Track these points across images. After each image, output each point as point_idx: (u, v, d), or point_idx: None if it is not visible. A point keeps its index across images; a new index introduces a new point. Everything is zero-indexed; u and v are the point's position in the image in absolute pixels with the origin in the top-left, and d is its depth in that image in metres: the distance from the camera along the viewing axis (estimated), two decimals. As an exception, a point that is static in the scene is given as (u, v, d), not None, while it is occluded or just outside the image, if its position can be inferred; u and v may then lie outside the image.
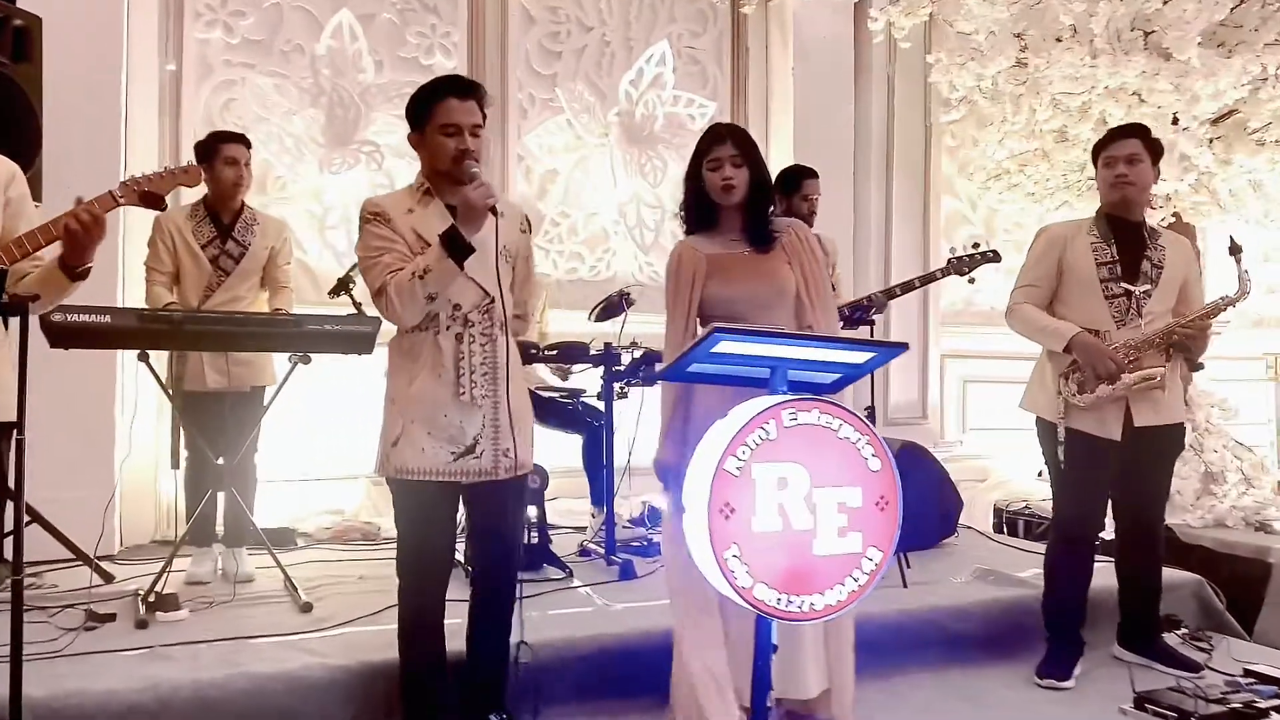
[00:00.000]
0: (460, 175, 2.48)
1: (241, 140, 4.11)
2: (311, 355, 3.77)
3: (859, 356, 2.47)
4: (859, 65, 6.51)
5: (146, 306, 3.96)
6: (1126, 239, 3.37)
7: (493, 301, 2.56)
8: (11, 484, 2.17)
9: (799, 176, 4.88)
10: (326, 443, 5.29)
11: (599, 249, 6.08)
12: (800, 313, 2.85)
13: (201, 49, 5.24)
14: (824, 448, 2.31)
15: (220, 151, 4.00)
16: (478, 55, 5.79)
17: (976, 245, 4.43)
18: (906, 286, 4.47)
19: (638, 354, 4.60)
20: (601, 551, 4.51)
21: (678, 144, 6.15)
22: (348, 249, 5.47)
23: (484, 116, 2.56)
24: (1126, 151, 3.38)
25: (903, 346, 2.44)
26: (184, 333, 3.52)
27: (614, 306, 4.54)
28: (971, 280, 4.45)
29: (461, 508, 2.70)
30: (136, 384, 4.94)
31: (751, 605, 2.21)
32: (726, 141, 2.76)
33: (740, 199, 2.76)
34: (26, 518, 2.35)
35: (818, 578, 2.29)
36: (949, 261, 4.45)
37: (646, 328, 4.87)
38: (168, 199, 2.57)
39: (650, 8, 6.24)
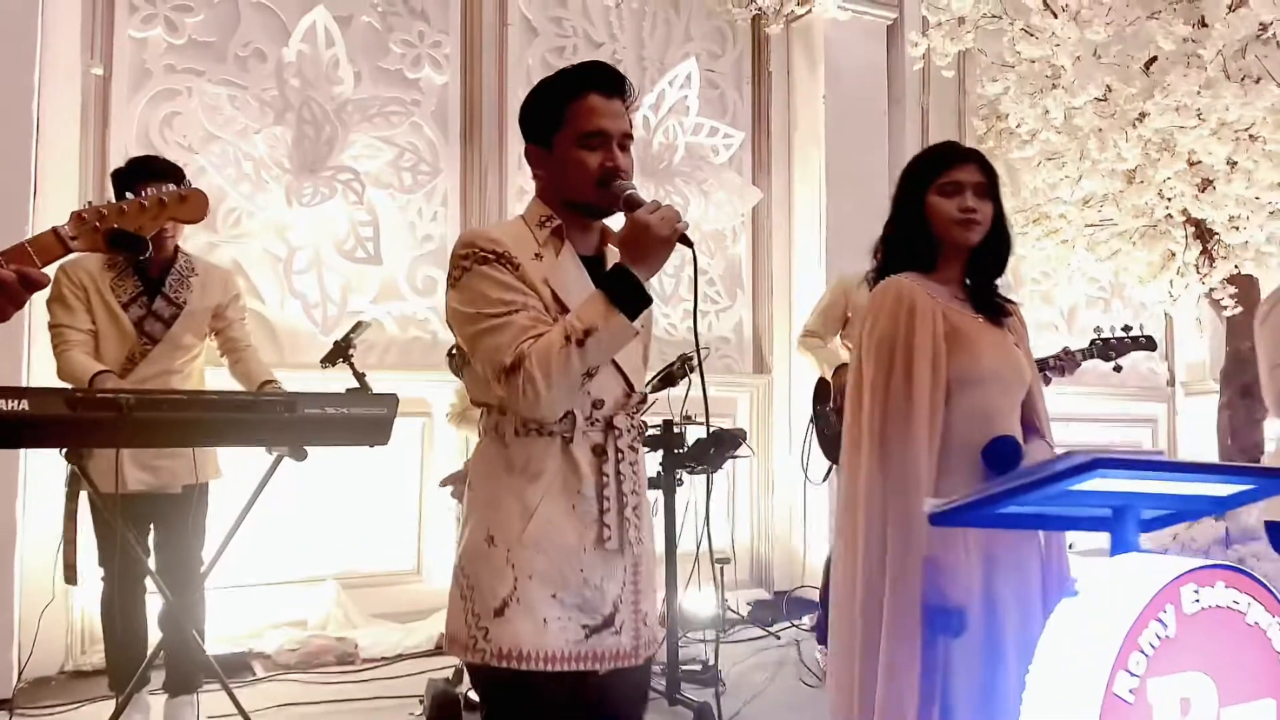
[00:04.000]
0: (607, 200, 1.66)
1: (169, 174, 2.94)
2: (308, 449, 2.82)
3: (1225, 489, 1.66)
4: (891, 95, 5.83)
5: (68, 384, 2.92)
6: None
7: (643, 401, 1.76)
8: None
9: None
10: (281, 537, 4.23)
11: (610, 299, 5.19)
12: (1028, 408, 2.09)
13: (137, 50, 4.23)
14: (1231, 641, 1.49)
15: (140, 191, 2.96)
16: (473, 69, 4.90)
17: (1128, 329, 3.66)
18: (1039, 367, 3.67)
19: (702, 433, 3.75)
20: (656, 685, 3.59)
21: (699, 179, 5.34)
22: (320, 299, 4.46)
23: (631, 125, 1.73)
24: None
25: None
26: (134, 423, 2.50)
27: (673, 376, 3.66)
28: (1118, 368, 3.65)
29: None
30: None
31: None
32: (971, 164, 2.02)
33: (978, 241, 2.02)
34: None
35: None
36: (1093, 344, 3.65)
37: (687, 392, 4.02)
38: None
39: (665, 23, 5.44)
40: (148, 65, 4.23)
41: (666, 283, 5.30)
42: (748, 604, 5.05)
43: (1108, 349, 3.42)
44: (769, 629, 4.66)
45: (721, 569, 4.72)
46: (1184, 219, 5.38)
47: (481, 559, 1.63)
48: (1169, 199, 5.20)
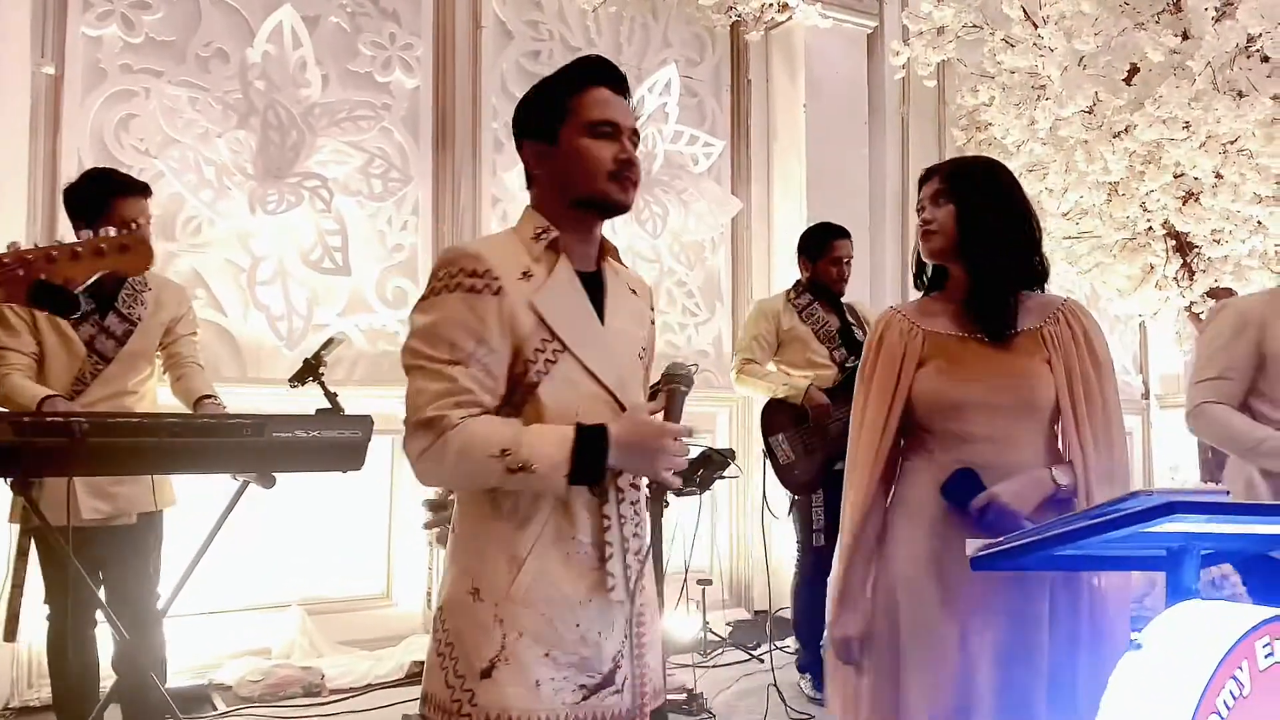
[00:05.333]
0: (618, 196, 1.55)
1: (143, 192, 2.90)
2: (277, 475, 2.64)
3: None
4: (871, 105, 5.74)
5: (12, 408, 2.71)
6: None
7: None
8: None
9: (826, 235, 4.05)
10: (242, 562, 4.01)
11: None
12: (1060, 433, 1.94)
13: (91, 49, 4.00)
14: (1303, 698, 1.37)
15: (116, 210, 2.78)
16: (445, 73, 4.72)
17: None
18: None
19: (693, 453, 3.61)
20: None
21: (678, 188, 5.21)
22: (285, 312, 4.26)
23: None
24: None
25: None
26: (89, 450, 2.31)
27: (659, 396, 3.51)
28: None
29: None
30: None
31: None
32: (933, 178, 1.96)
33: (942, 246, 1.91)
34: None
35: None
36: None
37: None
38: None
39: (643, 28, 5.32)
40: (102, 65, 4.01)
41: (645, 295, 5.16)
42: (728, 624, 4.91)
43: None
44: (752, 652, 4.52)
45: (704, 590, 4.60)
46: (1165, 232, 5.35)
47: (465, 614, 1.48)
48: (1151, 212, 5.17)
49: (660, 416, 1.46)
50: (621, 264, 1.68)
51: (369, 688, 3.97)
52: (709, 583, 4.60)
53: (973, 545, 1.49)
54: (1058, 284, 6.38)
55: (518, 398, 1.48)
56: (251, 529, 3.94)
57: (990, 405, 1.85)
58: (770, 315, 4.04)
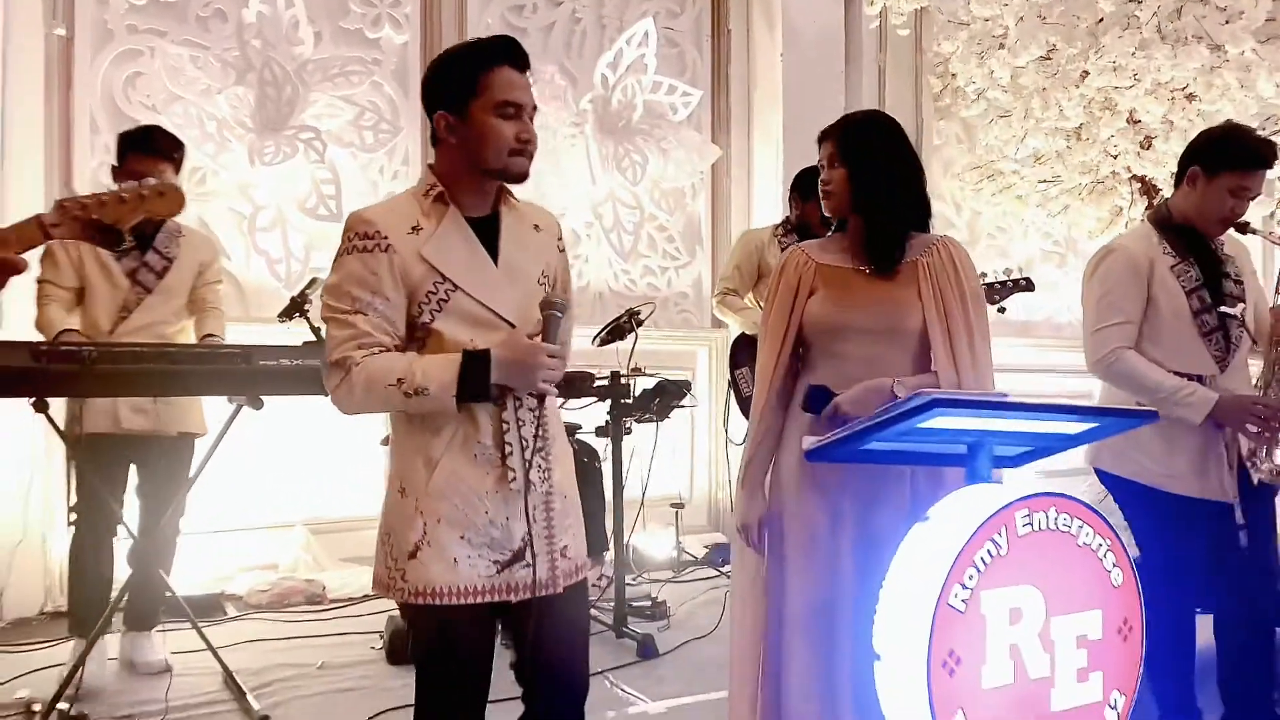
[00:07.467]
0: (516, 170, 1.78)
1: (165, 158, 3.21)
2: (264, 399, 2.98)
3: (1074, 427, 1.84)
4: (849, 54, 5.93)
5: (41, 336, 3.08)
6: (1202, 255, 2.68)
7: None
8: None
9: (816, 178, 4.24)
10: (252, 486, 4.42)
11: (570, 254, 5.31)
12: (927, 355, 2.20)
13: (99, 11, 4.30)
14: (1061, 560, 1.70)
15: (129, 167, 3.14)
16: (432, 29, 4.98)
17: (1009, 272, 3.88)
18: None
19: (649, 384, 3.94)
20: (604, 619, 3.81)
21: (658, 136, 5.46)
22: (284, 256, 4.60)
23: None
24: (1260, 183, 2.74)
25: (1149, 415, 1.83)
26: (96, 374, 2.67)
27: (621, 330, 3.83)
28: (1002, 310, 3.87)
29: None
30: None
31: (982, 792, 1.57)
32: (828, 140, 2.20)
33: (839, 207, 2.18)
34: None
35: (1055, 741, 1.67)
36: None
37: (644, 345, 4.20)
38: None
39: (624, -19, 5.53)
40: (110, 26, 4.31)
41: (625, 239, 5.45)
42: (705, 546, 5.25)
43: (991, 293, 3.59)
44: (720, 569, 4.87)
45: (677, 512, 4.96)
46: (1130, 175, 5.55)
47: (395, 509, 1.78)
48: (1114, 155, 5.37)
49: (540, 339, 1.73)
50: (517, 202, 1.89)
51: (366, 598, 4.36)
52: (682, 506, 4.94)
53: (807, 441, 1.81)
54: (1033, 227, 6.60)
55: (419, 334, 1.76)
56: (261, 457, 4.34)
57: (865, 329, 2.11)
58: (755, 247, 4.14)
